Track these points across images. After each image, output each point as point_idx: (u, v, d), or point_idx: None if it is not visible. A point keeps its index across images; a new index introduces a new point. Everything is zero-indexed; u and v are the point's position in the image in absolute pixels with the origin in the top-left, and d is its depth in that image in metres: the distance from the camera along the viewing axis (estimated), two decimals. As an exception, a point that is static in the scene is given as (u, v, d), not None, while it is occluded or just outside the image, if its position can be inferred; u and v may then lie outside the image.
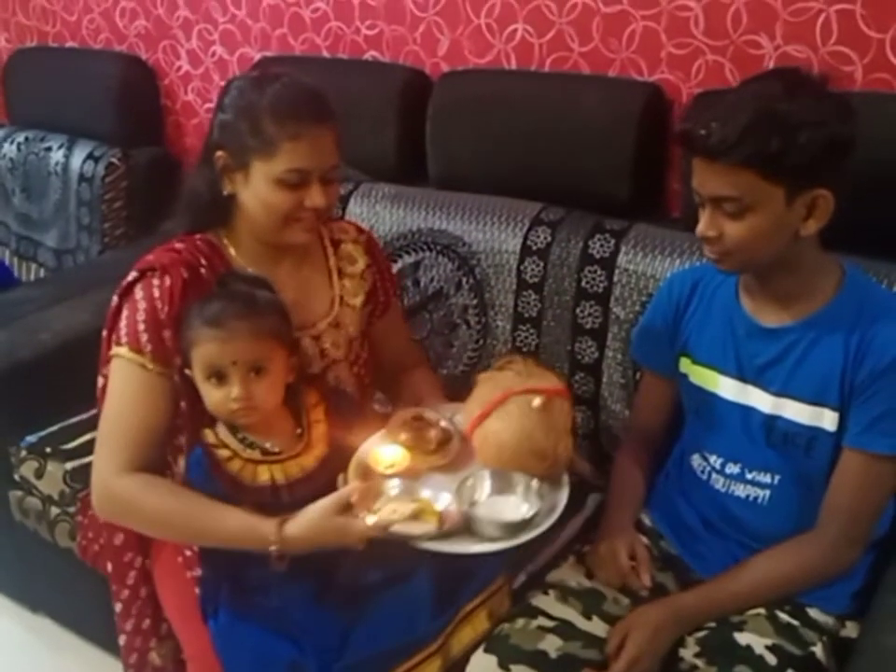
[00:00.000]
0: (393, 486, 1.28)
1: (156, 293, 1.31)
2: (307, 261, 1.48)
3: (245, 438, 1.29)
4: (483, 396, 1.35)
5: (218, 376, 1.25)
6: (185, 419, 1.35)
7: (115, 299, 1.36)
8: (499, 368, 1.41)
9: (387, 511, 1.21)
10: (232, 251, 1.40)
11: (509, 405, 1.32)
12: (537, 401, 1.30)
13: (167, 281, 1.31)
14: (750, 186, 1.15)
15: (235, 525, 1.23)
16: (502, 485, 1.31)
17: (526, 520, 1.25)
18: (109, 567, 1.47)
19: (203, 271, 1.35)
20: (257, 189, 1.31)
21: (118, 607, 1.48)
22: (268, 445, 1.29)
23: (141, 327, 1.31)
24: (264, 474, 1.27)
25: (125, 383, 1.32)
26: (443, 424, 1.39)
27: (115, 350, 1.32)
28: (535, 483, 1.29)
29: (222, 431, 1.29)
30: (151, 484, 1.29)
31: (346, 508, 1.21)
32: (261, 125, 1.28)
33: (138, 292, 1.33)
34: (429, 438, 1.35)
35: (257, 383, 1.26)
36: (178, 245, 1.37)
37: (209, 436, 1.29)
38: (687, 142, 1.20)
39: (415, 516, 1.22)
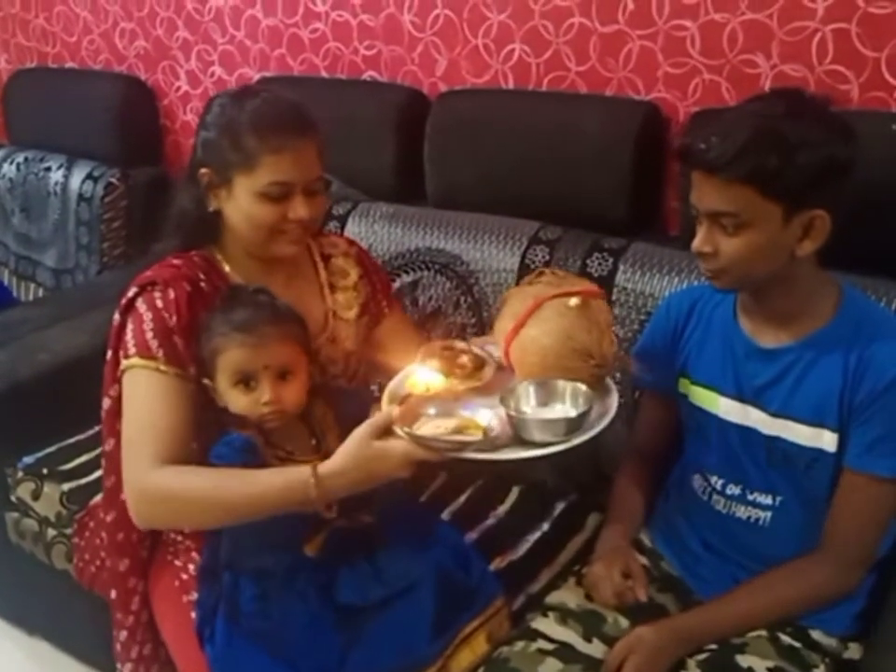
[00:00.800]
0: (431, 408, 1.24)
1: (159, 304, 1.31)
2: (298, 277, 1.47)
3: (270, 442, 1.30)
4: (514, 308, 1.32)
5: (246, 382, 1.26)
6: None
7: (117, 317, 1.36)
8: (528, 283, 1.38)
9: (431, 427, 1.18)
10: (227, 267, 1.40)
11: (544, 311, 1.28)
12: (574, 300, 1.26)
13: (171, 294, 1.31)
14: (748, 202, 1.15)
15: (273, 480, 1.21)
16: (547, 395, 1.25)
17: (576, 418, 1.19)
18: (113, 594, 1.44)
19: (203, 285, 1.35)
20: (240, 204, 1.31)
21: (122, 635, 1.45)
22: (289, 448, 1.30)
23: (149, 335, 1.30)
24: None
25: (142, 389, 1.30)
26: (475, 350, 1.37)
27: (125, 363, 1.31)
28: (581, 386, 1.23)
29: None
30: (184, 470, 1.26)
31: (385, 432, 1.18)
32: (242, 140, 1.28)
33: (141, 306, 1.32)
34: (463, 363, 1.33)
35: (285, 387, 1.28)
36: (176, 261, 1.37)
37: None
38: (686, 156, 1.20)
39: (459, 431, 1.18)
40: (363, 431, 1.18)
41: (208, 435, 1.31)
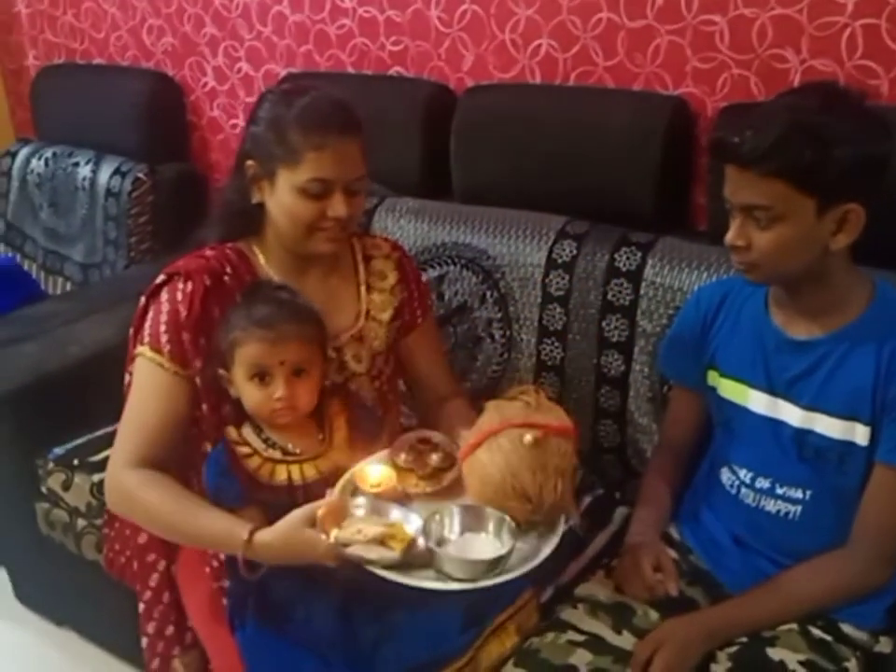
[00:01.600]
0: (359, 505, 1.23)
1: (179, 296, 1.35)
2: (335, 273, 1.49)
3: (268, 438, 1.32)
4: (481, 424, 1.28)
5: (262, 376, 1.28)
6: (207, 423, 1.38)
7: (142, 300, 1.40)
8: (510, 398, 1.32)
9: (351, 532, 1.14)
10: (262, 259, 1.42)
11: (500, 438, 1.23)
12: (528, 437, 1.20)
13: (189, 286, 1.35)
14: (782, 196, 1.14)
15: (213, 525, 1.25)
16: (474, 521, 1.23)
17: (494, 560, 1.15)
18: (135, 565, 1.48)
19: (226, 279, 1.38)
20: (281, 198, 1.33)
21: (140, 607, 1.49)
22: (290, 447, 1.31)
23: (162, 328, 1.34)
24: (282, 473, 1.29)
25: (144, 380, 1.36)
26: (450, 451, 1.33)
27: (138, 349, 1.36)
28: (509, 521, 1.20)
29: (246, 430, 1.32)
30: (151, 481, 1.31)
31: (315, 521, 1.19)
32: (287, 135, 1.31)
33: (163, 295, 1.37)
34: (428, 462, 1.30)
35: (299, 384, 1.29)
36: (208, 253, 1.41)
37: (231, 433, 1.32)
38: (720, 149, 1.20)
39: (382, 541, 1.14)
40: (298, 516, 1.19)
41: (217, 429, 1.35)
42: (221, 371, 1.32)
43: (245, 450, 1.30)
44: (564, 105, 1.91)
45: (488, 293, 1.86)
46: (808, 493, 1.29)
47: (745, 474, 1.35)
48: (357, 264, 1.52)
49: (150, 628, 1.49)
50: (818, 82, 1.30)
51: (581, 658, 1.23)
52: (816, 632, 1.25)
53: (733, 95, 1.77)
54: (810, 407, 1.27)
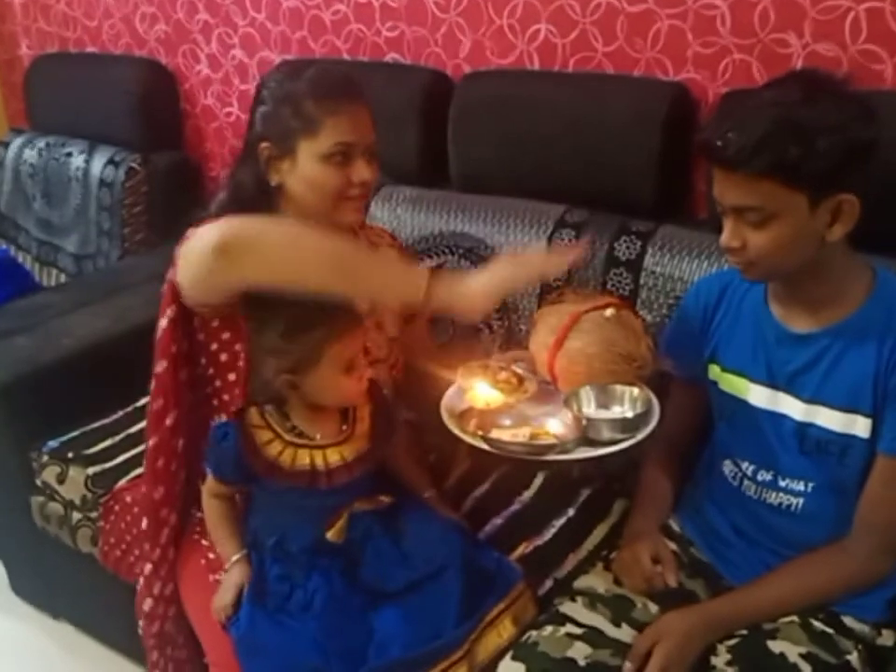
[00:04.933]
0: (504, 419, 1.37)
1: None
2: None
3: (294, 427, 1.30)
4: (550, 325, 1.41)
5: (352, 367, 1.27)
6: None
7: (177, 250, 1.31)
8: (552, 302, 1.49)
9: (508, 436, 1.30)
10: None
11: (582, 324, 1.38)
12: (609, 311, 1.38)
13: None
14: (772, 194, 1.12)
15: (388, 260, 1.24)
16: (606, 398, 1.37)
17: (639, 416, 1.31)
18: (144, 523, 1.43)
19: None
20: (305, 171, 1.32)
21: (147, 568, 1.43)
22: (312, 434, 1.30)
23: None
24: (304, 458, 1.28)
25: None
26: (512, 366, 1.45)
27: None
28: (636, 390, 1.36)
29: (270, 413, 1.30)
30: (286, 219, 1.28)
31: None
32: (303, 107, 1.31)
33: None
34: (506, 377, 1.41)
35: (366, 372, 1.31)
36: None
37: (254, 416, 1.29)
38: (705, 152, 1.18)
39: (534, 438, 1.32)
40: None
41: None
42: (286, 376, 1.25)
43: (266, 435, 1.28)
44: (563, 91, 1.89)
45: (486, 283, 1.84)
46: (810, 485, 1.28)
47: (746, 466, 1.34)
48: None
49: (156, 590, 1.44)
50: (798, 72, 1.27)
51: (580, 651, 1.22)
52: (817, 624, 1.24)
53: (734, 81, 1.75)
54: (811, 400, 1.26)
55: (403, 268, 1.22)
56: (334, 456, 1.29)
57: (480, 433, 1.31)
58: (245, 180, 1.38)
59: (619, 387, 1.37)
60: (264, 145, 1.34)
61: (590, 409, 1.36)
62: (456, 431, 1.33)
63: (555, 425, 1.36)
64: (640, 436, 1.30)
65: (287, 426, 1.29)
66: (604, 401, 1.37)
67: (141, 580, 1.45)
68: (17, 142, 2.81)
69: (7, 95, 3.19)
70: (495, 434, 1.32)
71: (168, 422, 1.36)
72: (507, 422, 1.36)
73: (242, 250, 1.16)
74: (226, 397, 1.37)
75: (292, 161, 1.33)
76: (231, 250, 1.16)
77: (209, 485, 1.35)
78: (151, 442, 1.39)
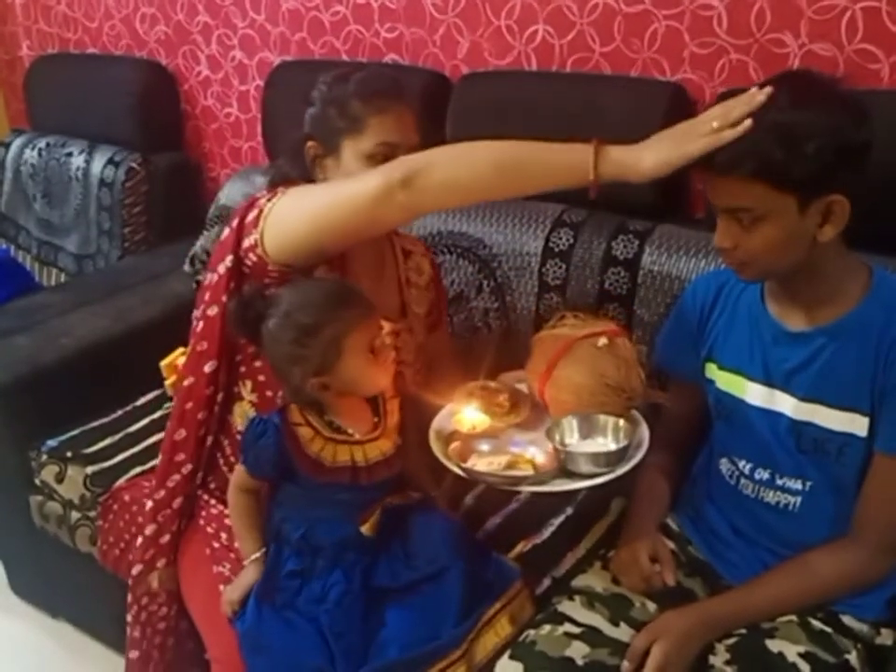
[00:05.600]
0: (483, 444, 1.34)
1: None
2: (384, 264, 1.51)
3: (332, 422, 1.30)
4: (545, 351, 1.40)
5: (374, 350, 1.27)
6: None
7: (225, 229, 1.37)
8: (551, 327, 1.47)
9: (484, 464, 1.28)
10: None
11: (574, 352, 1.36)
12: (602, 340, 1.35)
13: None
14: (761, 197, 1.12)
15: (548, 147, 1.19)
16: (589, 428, 1.34)
17: (620, 450, 1.27)
18: (130, 556, 1.45)
19: None
20: (348, 170, 1.34)
21: (144, 535, 1.45)
22: (350, 430, 1.30)
23: None
24: (344, 454, 1.28)
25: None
26: (511, 387, 1.44)
27: (268, 204, 1.29)
28: (621, 421, 1.32)
29: (309, 411, 1.30)
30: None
31: None
32: (348, 106, 1.34)
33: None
34: (500, 401, 1.40)
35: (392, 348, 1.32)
36: None
37: (294, 414, 1.29)
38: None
39: (511, 467, 1.29)
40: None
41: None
42: (314, 380, 1.25)
43: (307, 432, 1.28)
44: (560, 92, 1.89)
45: (485, 283, 1.85)
46: (808, 484, 1.28)
47: (744, 465, 1.34)
48: (396, 257, 1.54)
49: (149, 554, 1.45)
50: (787, 74, 1.26)
51: (578, 650, 1.21)
52: (816, 623, 1.24)
53: (731, 81, 1.75)
54: (808, 399, 1.25)
55: (567, 150, 1.15)
56: (373, 452, 1.30)
57: (455, 461, 1.28)
58: (291, 174, 1.41)
59: (603, 417, 1.33)
60: (310, 144, 1.38)
61: (572, 439, 1.33)
62: (438, 455, 1.31)
63: (536, 453, 1.33)
64: (620, 470, 1.26)
65: (324, 421, 1.29)
66: (587, 431, 1.33)
67: (139, 539, 1.46)
68: (17, 142, 2.81)
69: (8, 96, 3.20)
70: (472, 460, 1.30)
71: (207, 368, 1.38)
72: (486, 447, 1.34)
73: (424, 180, 1.17)
74: (242, 388, 1.39)
75: (336, 159, 1.36)
76: (415, 181, 1.17)
77: (240, 480, 1.33)
78: (186, 383, 1.40)
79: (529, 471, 1.28)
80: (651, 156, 1.13)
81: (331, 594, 1.26)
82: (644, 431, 1.33)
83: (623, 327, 1.42)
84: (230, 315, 1.30)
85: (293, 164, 1.42)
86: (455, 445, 1.32)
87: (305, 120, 1.41)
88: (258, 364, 1.39)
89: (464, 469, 1.27)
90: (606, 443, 1.31)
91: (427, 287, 1.58)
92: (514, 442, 1.36)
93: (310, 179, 1.39)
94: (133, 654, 1.52)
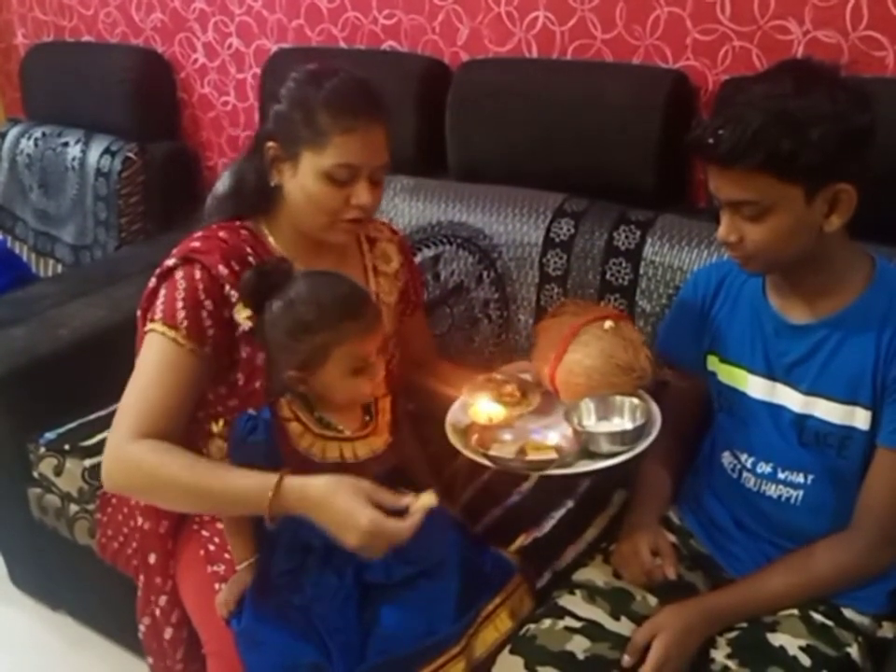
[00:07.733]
0: (504, 434, 1.37)
1: (197, 275, 1.30)
2: (347, 257, 1.47)
3: (321, 418, 1.28)
4: (551, 338, 1.43)
5: (361, 369, 1.24)
6: (221, 403, 1.36)
7: (153, 281, 1.35)
8: (553, 315, 1.50)
9: (508, 451, 1.32)
10: (272, 240, 1.39)
11: (581, 336, 1.39)
12: (608, 323, 1.39)
13: (211, 272, 1.30)
14: (767, 188, 1.11)
15: (239, 482, 1.20)
16: (606, 410, 1.37)
17: (638, 427, 1.31)
18: (152, 558, 1.44)
19: (250, 259, 1.34)
20: (304, 182, 1.30)
21: (162, 600, 1.45)
22: (340, 427, 1.29)
23: (179, 304, 1.29)
24: (334, 451, 1.27)
25: (154, 355, 1.30)
26: (517, 376, 1.45)
27: (148, 326, 1.31)
28: (635, 401, 1.36)
29: (297, 406, 1.28)
30: (162, 447, 1.25)
31: (373, 503, 1.14)
32: (315, 117, 1.27)
33: (178, 275, 1.31)
34: (510, 391, 1.41)
35: (382, 362, 1.30)
36: (222, 234, 1.36)
37: (284, 409, 1.28)
38: (697, 151, 1.17)
39: (534, 451, 1.33)
40: (356, 485, 1.15)
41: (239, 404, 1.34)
42: (292, 373, 1.24)
43: (297, 428, 1.26)
44: (561, 79, 1.87)
45: (485, 273, 1.84)
46: (810, 477, 1.27)
47: (746, 458, 1.33)
48: (361, 246, 1.51)
49: (174, 618, 1.45)
50: (789, 62, 1.25)
51: (579, 644, 1.21)
52: (817, 617, 1.23)
53: (734, 68, 1.74)
54: (810, 392, 1.25)
55: (259, 481, 1.16)
56: (363, 449, 1.28)
57: (481, 450, 1.31)
58: (248, 175, 1.37)
59: (618, 398, 1.37)
60: (271, 144, 1.32)
61: (590, 421, 1.36)
62: (459, 447, 1.34)
63: (556, 438, 1.36)
64: (640, 447, 1.30)
65: (314, 417, 1.28)
66: (604, 413, 1.37)
67: (157, 611, 1.45)
68: (13, 132, 2.79)
69: (3, 84, 3.18)
70: (495, 449, 1.32)
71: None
72: (507, 436, 1.37)
73: (124, 489, 1.34)
74: (213, 426, 1.36)
75: (294, 167, 1.30)
76: (115, 488, 1.34)
77: None
78: None
79: (553, 455, 1.31)
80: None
81: (324, 591, 1.25)
82: (655, 409, 1.37)
83: (623, 312, 1.48)
84: (244, 281, 1.26)
85: (250, 161, 1.37)
86: (475, 437, 1.35)
87: (269, 116, 1.35)
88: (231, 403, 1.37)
89: (490, 458, 1.29)
90: (622, 423, 1.35)
91: (397, 276, 1.53)
92: (533, 430, 1.38)
93: (266, 181, 1.34)
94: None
